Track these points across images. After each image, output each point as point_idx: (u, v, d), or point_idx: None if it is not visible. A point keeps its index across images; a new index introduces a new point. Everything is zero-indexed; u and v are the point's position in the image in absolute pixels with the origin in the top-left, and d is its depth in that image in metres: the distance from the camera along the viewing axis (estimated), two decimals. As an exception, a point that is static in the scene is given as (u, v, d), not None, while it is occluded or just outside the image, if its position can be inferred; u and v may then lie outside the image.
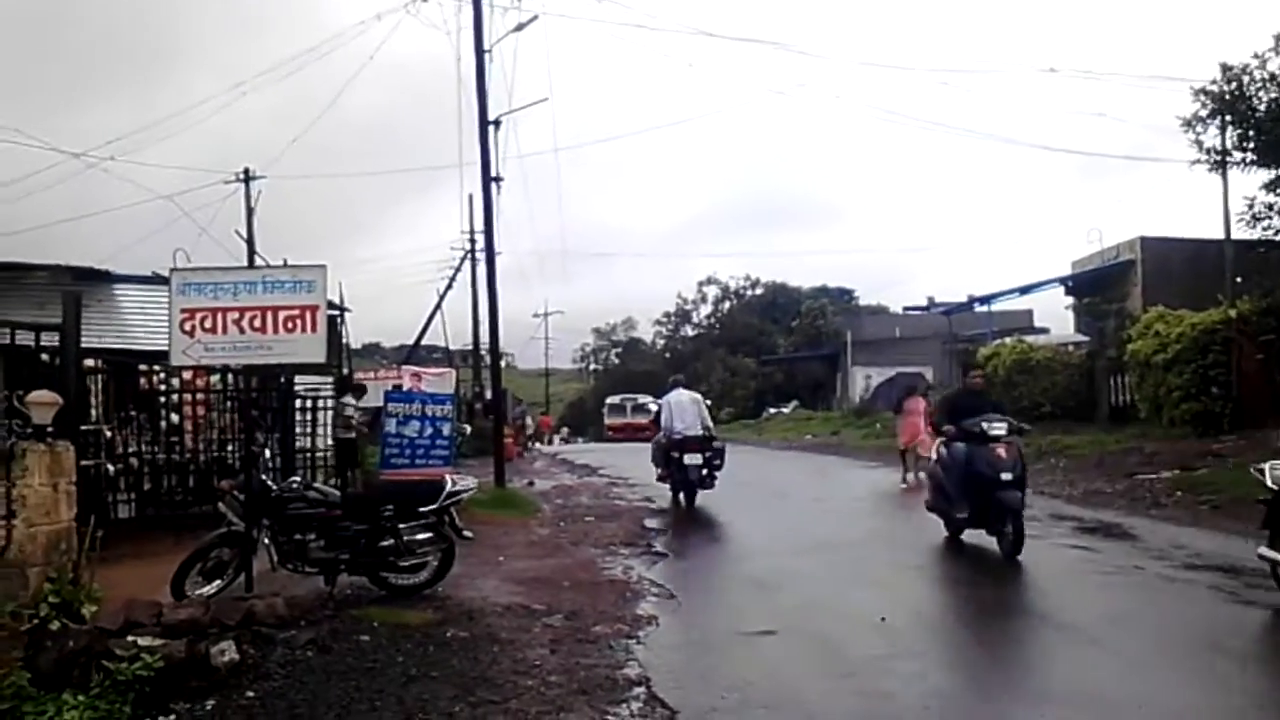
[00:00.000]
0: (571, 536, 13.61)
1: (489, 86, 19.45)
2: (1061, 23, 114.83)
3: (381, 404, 17.37)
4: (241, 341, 8.60)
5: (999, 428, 11.34)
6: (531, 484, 21.35)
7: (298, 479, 10.60)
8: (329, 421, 16.50)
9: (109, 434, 12.58)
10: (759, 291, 79.99)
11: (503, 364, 22.85)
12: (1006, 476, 10.89)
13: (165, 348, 8.94)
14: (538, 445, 46.15)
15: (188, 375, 13.79)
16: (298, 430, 15.15)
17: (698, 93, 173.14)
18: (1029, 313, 43.24)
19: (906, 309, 59.68)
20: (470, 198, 37.22)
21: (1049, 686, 6.52)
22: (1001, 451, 11.11)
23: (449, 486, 9.36)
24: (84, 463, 9.12)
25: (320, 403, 16.04)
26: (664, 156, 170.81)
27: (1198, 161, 22.41)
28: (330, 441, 16.89)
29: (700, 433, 16.86)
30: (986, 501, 11.04)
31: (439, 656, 7.28)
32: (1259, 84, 21.12)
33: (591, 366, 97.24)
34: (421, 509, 9.18)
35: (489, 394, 26.80)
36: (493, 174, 20.03)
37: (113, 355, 13.01)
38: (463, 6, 19.97)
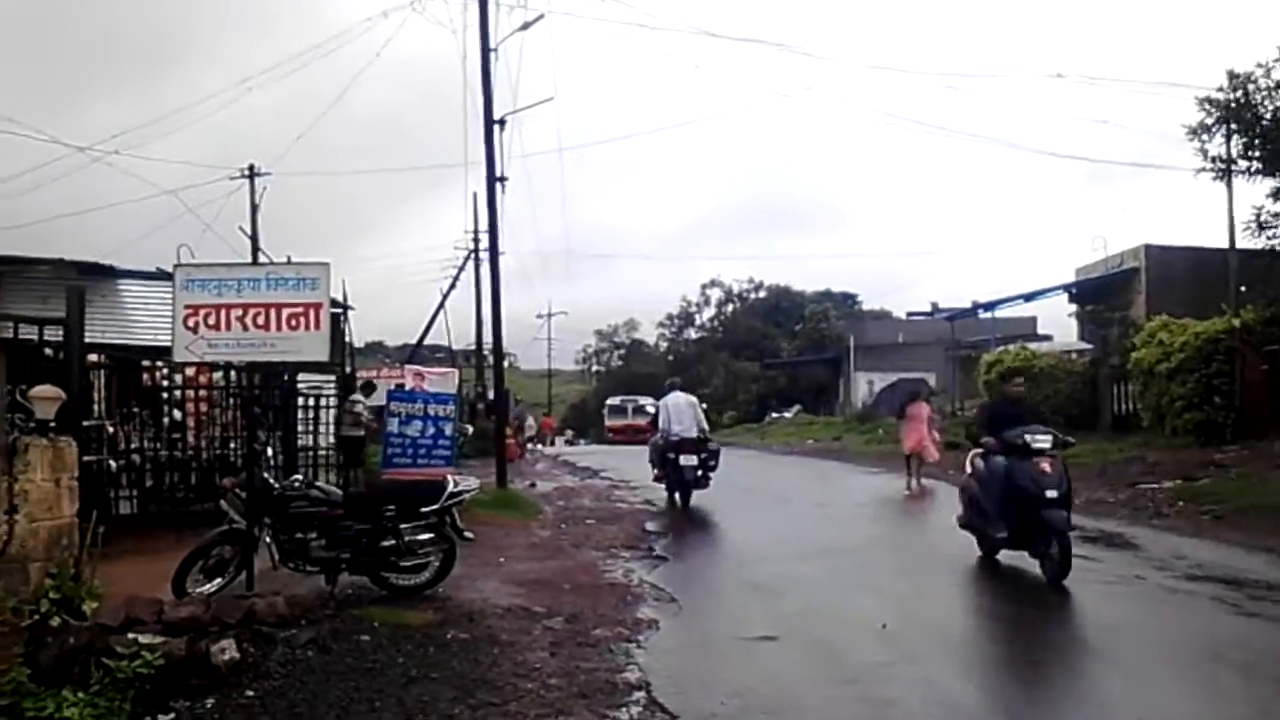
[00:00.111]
0: (573, 539, 13.60)
1: (494, 85, 19.47)
2: (1067, 29, 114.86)
3: (385, 402, 17.45)
4: (245, 338, 8.60)
5: (1043, 440, 10.42)
6: (533, 485, 21.35)
7: (300, 477, 10.60)
8: (332, 420, 16.51)
9: (111, 430, 12.59)
10: (762, 295, 79.95)
11: (505, 364, 22.84)
12: (1051, 494, 10.00)
13: (168, 344, 8.94)
14: (539, 446, 46.11)
15: (191, 371, 13.80)
16: (300, 428, 15.14)
17: (702, 94, 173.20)
18: (1032, 320, 43.25)
19: (910, 314, 59.58)
20: (475, 197, 37.30)
21: (1050, 696, 6.51)
22: (1046, 466, 10.19)
23: (451, 487, 9.36)
24: (86, 458, 9.11)
25: (323, 401, 16.04)
26: (668, 158, 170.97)
27: (1203, 170, 22.38)
28: (333, 439, 16.89)
29: (696, 434, 17.37)
30: (1028, 521, 10.10)
31: (439, 658, 7.28)
32: (1265, 92, 21.09)
33: (594, 368, 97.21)
34: (423, 509, 9.18)
35: (491, 394, 26.82)
36: (497, 174, 20.04)
37: (116, 351, 13.02)
38: (469, 4, 20.04)
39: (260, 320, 8.58)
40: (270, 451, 11.11)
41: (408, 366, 29.69)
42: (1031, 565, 10.33)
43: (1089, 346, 30.53)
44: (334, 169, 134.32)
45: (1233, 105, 21.37)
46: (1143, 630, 8.24)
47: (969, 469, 11.68)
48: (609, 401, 63.37)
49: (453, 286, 41.82)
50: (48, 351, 10.14)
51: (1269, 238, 22.04)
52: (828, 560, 11.75)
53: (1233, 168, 22.15)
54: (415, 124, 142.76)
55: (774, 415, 54.50)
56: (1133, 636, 8.03)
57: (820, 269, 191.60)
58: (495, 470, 18.62)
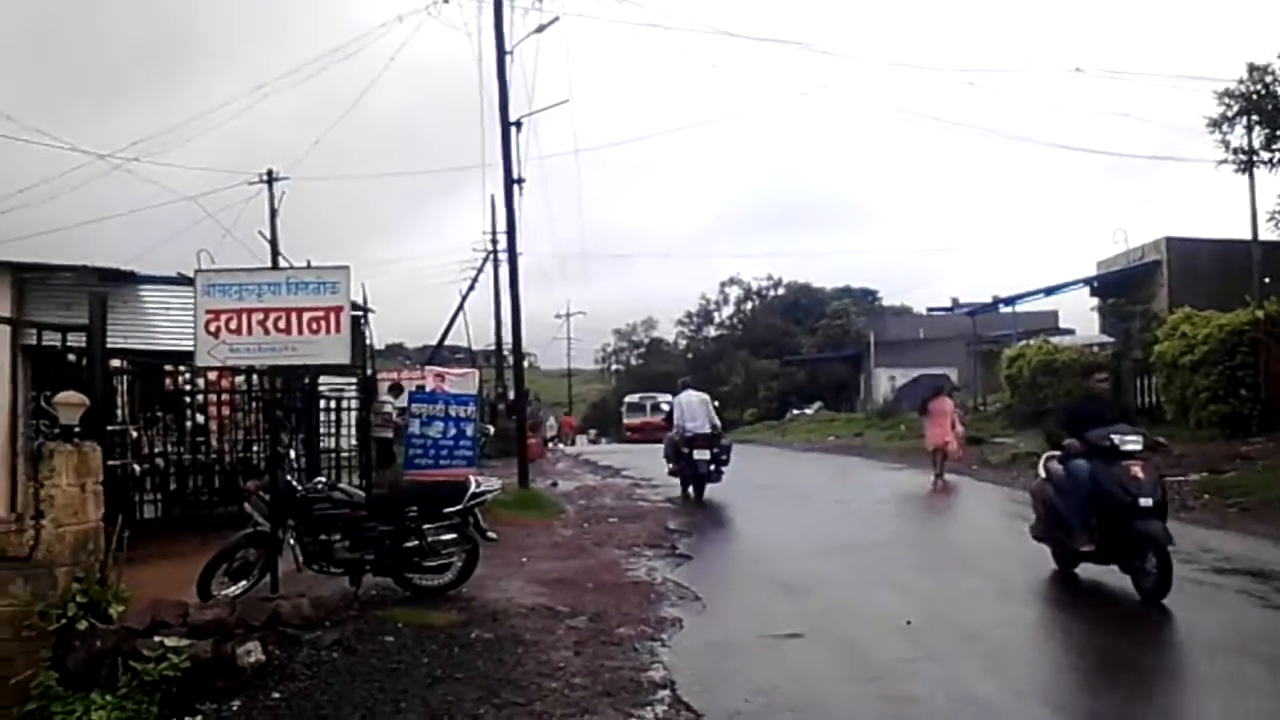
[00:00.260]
0: (595, 538, 13.60)
1: (510, 88, 19.49)
2: (1088, 23, 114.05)
3: (406, 404, 17.51)
4: (266, 342, 8.63)
5: (1133, 442, 9.30)
6: (555, 485, 21.36)
7: (323, 479, 10.64)
8: (354, 422, 16.56)
9: (135, 434, 12.67)
10: (781, 292, 79.76)
11: (525, 364, 22.88)
12: (1145, 502, 8.88)
13: (190, 348, 8.97)
14: (560, 446, 46.17)
15: (213, 376, 13.87)
16: (322, 431, 15.19)
17: (720, 93, 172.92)
18: (1054, 314, 43.04)
19: (930, 310, 59.53)
20: (492, 199, 37.39)
21: (1072, 689, 6.48)
22: (1137, 470, 9.06)
23: (473, 487, 9.39)
24: (111, 463, 9.16)
25: (344, 403, 16.08)
26: (686, 157, 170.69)
27: (1224, 162, 22.31)
28: (355, 442, 16.94)
29: (708, 430, 18.17)
30: (1119, 532, 9.00)
31: (463, 658, 7.30)
32: (1286, 83, 20.98)
33: (613, 367, 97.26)
34: (446, 510, 9.20)
35: (512, 394, 26.86)
36: (514, 175, 20.07)
37: (138, 356, 13.08)
38: (484, 8, 20.13)
39: (281, 324, 8.61)
40: (293, 454, 11.17)
41: (428, 368, 29.80)
42: (1021, 566, 10.27)
43: (1111, 340, 30.38)
44: (352, 173, 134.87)
45: (1254, 97, 21.26)
46: (1169, 623, 8.19)
47: (1043, 473, 10.57)
48: (627, 399, 63.33)
49: (471, 288, 41.98)
50: (71, 358, 10.19)
51: (1292, 229, 21.92)
52: (851, 557, 11.72)
53: (1254, 159, 22.03)
54: (432, 127, 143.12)
55: (795, 412, 54.40)
56: (1159, 629, 7.99)
57: (840, 265, 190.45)
58: (517, 470, 18.64)
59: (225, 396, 14.66)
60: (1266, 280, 22.78)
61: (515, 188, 20.25)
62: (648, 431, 44.89)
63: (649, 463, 21.91)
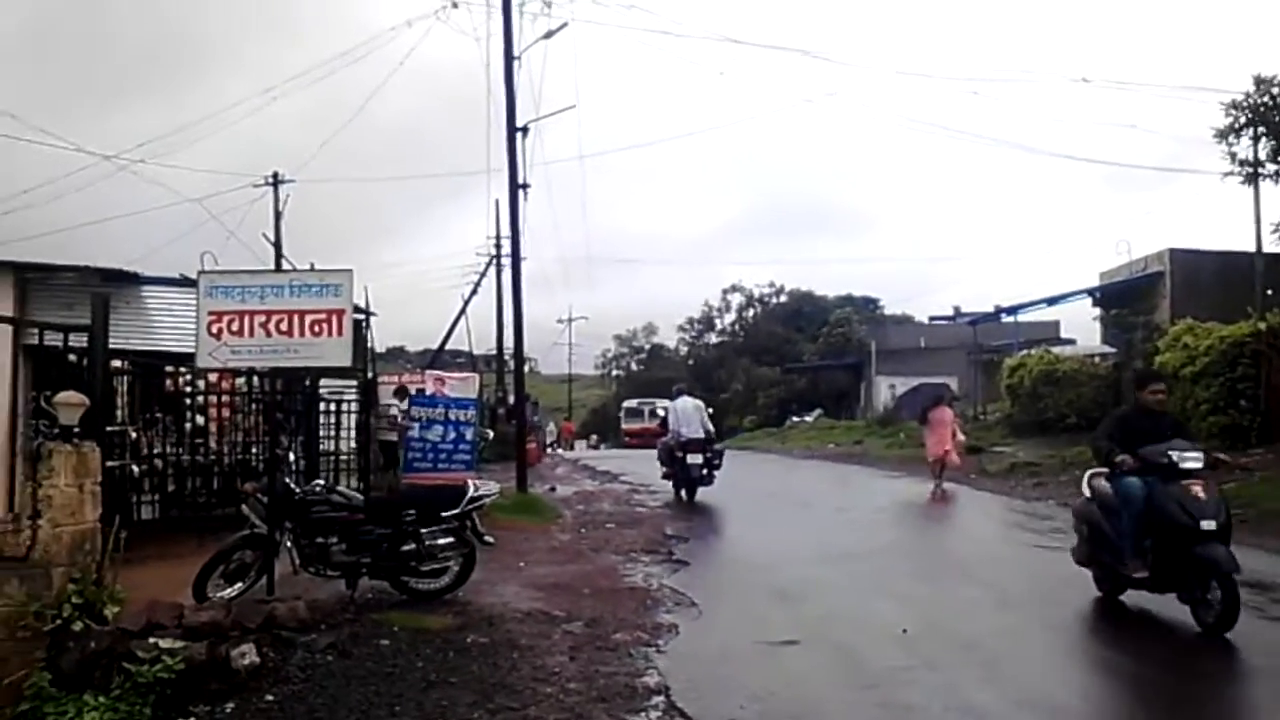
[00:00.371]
0: (592, 543, 13.59)
1: (517, 93, 19.49)
2: (1094, 33, 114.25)
3: (406, 407, 17.50)
4: (268, 344, 8.65)
5: (1193, 459, 8.51)
6: (553, 489, 21.36)
7: (321, 482, 10.64)
8: (353, 425, 16.57)
9: (134, 435, 12.67)
10: (783, 299, 79.82)
11: (526, 369, 22.87)
12: (1208, 525, 8.09)
13: (192, 350, 8.99)
14: (560, 451, 46.20)
15: (213, 377, 13.87)
16: (321, 433, 15.19)
17: (726, 100, 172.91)
18: (1055, 324, 43.00)
19: (932, 319, 59.50)
20: (496, 204, 37.39)
21: (1071, 701, 6.46)
22: (1198, 490, 8.27)
23: (471, 491, 9.39)
24: (109, 464, 9.16)
25: (345, 406, 16.09)
26: (692, 164, 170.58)
27: (1230, 174, 22.28)
28: (353, 444, 16.94)
29: (702, 436, 18.83)
30: (1178, 558, 8.18)
31: (459, 662, 7.29)
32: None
33: (613, 373, 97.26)
34: (443, 514, 9.21)
35: (512, 399, 26.87)
36: (520, 181, 20.06)
37: (139, 357, 13.08)
38: (492, 13, 20.02)
39: (283, 326, 8.62)
40: (292, 456, 11.16)
41: (429, 371, 29.78)
42: (1053, 569, 10.25)
43: (1112, 350, 30.37)
44: (358, 176, 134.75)
45: (1260, 109, 21.26)
46: (1165, 634, 8.18)
47: (1086, 492, 9.67)
48: (625, 405, 63.32)
49: (474, 292, 41.95)
50: (72, 358, 10.19)
51: (1296, 242, 21.91)
52: (848, 565, 11.71)
53: (1260, 171, 22.03)
54: (439, 131, 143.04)
55: (795, 419, 54.35)
56: (1155, 640, 7.98)
57: (842, 273, 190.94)
58: (515, 475, 18.64)
59: (225, 398, 14.66)
60: (1269, 292, 22.76)
61: (520, 193, 20.24)
62: (646, 437, 44.66)
63: (647, 468, 21.93)
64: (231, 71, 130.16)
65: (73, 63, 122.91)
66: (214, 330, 8.59)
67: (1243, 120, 21.67)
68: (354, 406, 15.88)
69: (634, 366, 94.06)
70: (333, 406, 15.78)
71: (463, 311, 41.41)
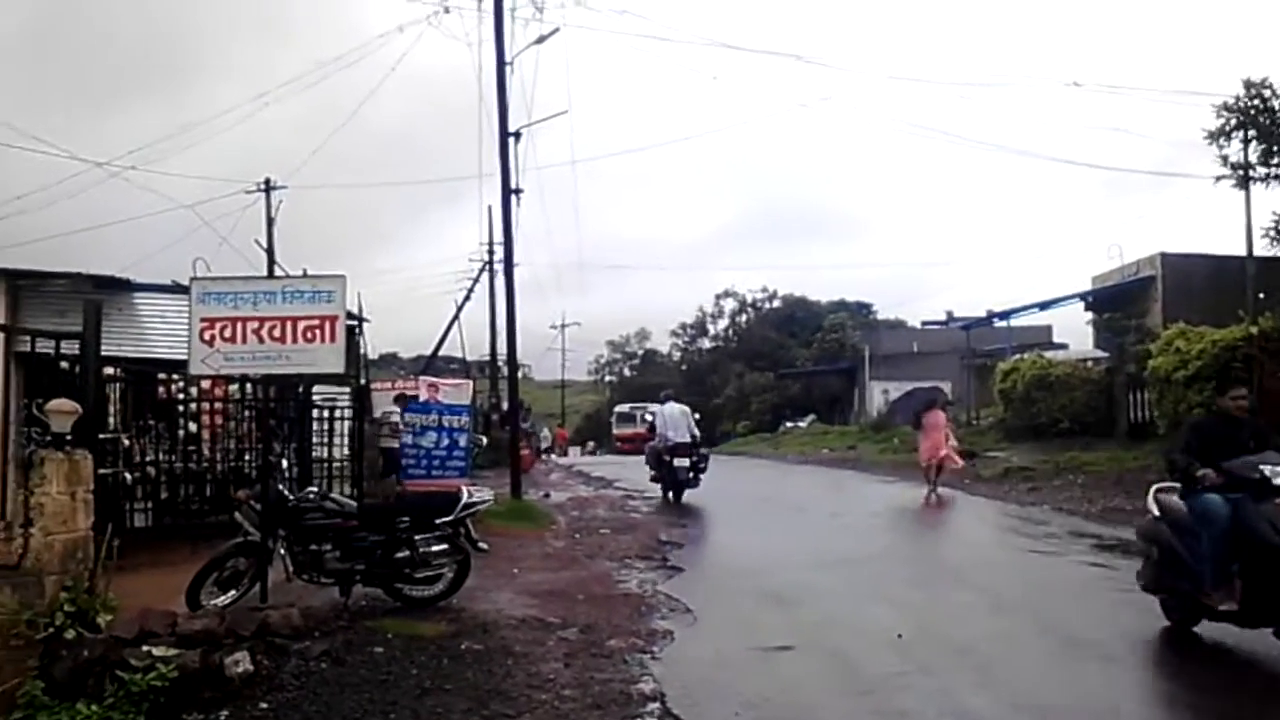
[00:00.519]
0: (587, 549, 13.58)
1: (509, 98, 19.51)
2: (1085, 37, 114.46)
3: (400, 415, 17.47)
4: (260, 351, 8.64)
5: None
6: (547, 496, 21.34)
7: (314, 489, 10.62)
8: (346, 432, 16.55)
9: (127, 443, 12.63)
10: (777, 304, 79.78)
11: (520, 375, 22.87)
12: None
13: (184, 357, 8.98)
14: (554, 457, 46.19)
15: (206, 384, 13.82)
16: (315, 440, 15.16)
17: (719, 105, 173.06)
18: (1048, 328, 43.09)
19: (925, 323, 59.61)
20: (489, 210, 37.37)
21: (1066, 705, 6.46)
22: None
23: (465, 498, 9.37)
24: (102, 471, 9.13)
25: (338, 413, 16.05)
26: (685, 169, 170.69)
27: (1222, 177, 22.30)
28: (346, 451, 16.93)
29: (688, 440, 19.52)
30: (1273, 587, 7.15)
31: (453, 669, 7.28)
32: (1285, 98, 21.03)
33: (606, 378, 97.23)
34: (437, 520, 9.19)
35: (506, 405, 26.86)
36: (512, 186, 20.08)
37: (132, 364, 13.05)
38: (484, 19, 20.08)
39: (276, 333, 8.62)
40: (285, 464, 11.14)
41: (422, 378, 29.74)
42: (1048, 575, 10.26)
43: (1105, 354, 30.41)
44: (352, 182, 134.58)
45: (1250, 112, 21.31)
46: (1159, 639, 8.18)
47: (1155, 509, 8.60)
48: (617, 409, 63.31)
49: (467, 298, 41.91)
50: (64, 365, 10.17)
51: (1288, 246, 21.95)
52: (843, 570, 11.71)
53: (1251, 174, 22.07)
54: (432, 137, 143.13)
55: (788, 425, 54.40)
56: (1151, 644, 7.99)
57: (835, 278, 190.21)
58: (509, 481, 18.62)
59: (218, 405, 14.62)
60: (1261, 296, 22.79)
61: (513, 198, 20.26)
62: (638, 442, 44.75)
63: (641, 474, 21.95)
64: (225, 77, 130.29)
65: (67, 68, 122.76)
66: (207, 337, 8.58)
67: (1233, 123, 21.71)
68: (347, 413, 15.84)
69: (627, 372, 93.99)
70: (326, 413, 15.74)
71: (456, 317, 41.42)
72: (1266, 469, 7.44)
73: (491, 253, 39.44)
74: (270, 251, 33.16)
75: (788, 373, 64.64)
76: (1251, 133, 21.59)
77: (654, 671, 7.32)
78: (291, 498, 9.34)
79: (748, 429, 59.24)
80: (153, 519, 12.86)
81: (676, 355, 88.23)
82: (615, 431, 58.99)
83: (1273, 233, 21.95)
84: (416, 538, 9.07)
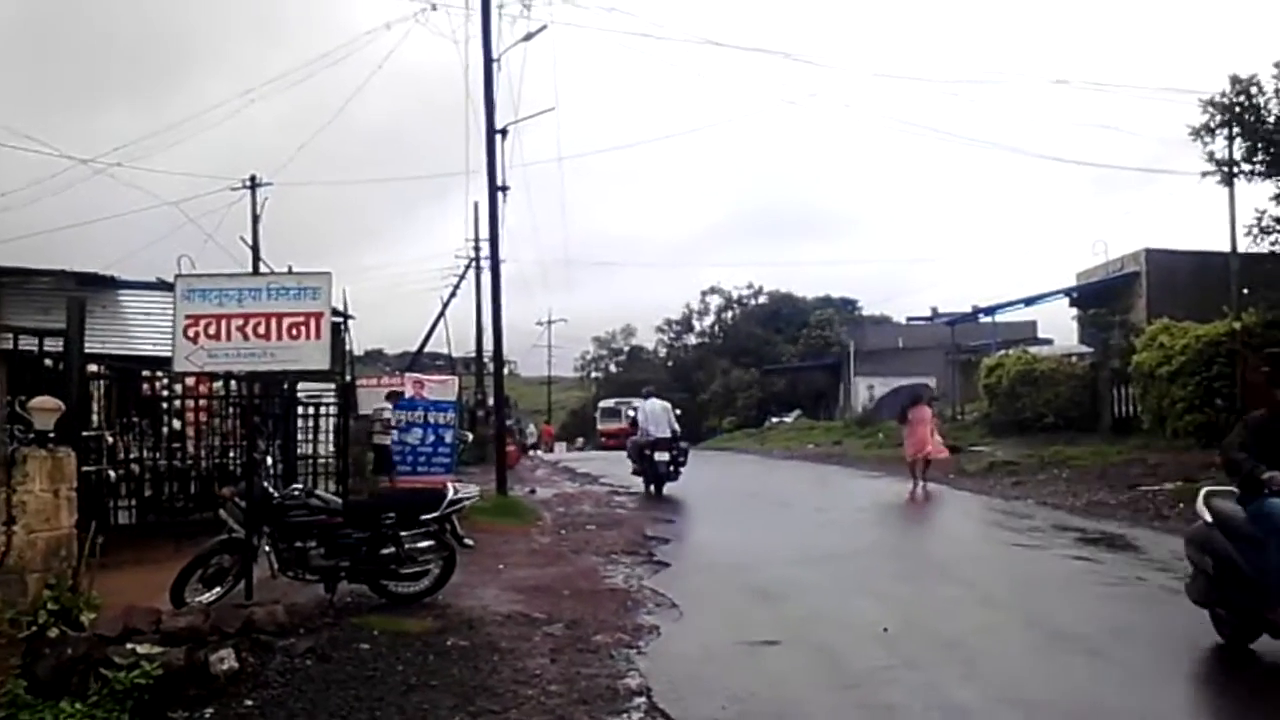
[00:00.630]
0: (572, 545, 13.58)
1: (496, 95, 19.46)
2: (1072, 34, 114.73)
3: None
4: (245, 348, 8.61)
5: None
6: (533, 492, 21.32)
7: (299, 486, 10.60)
8: (332, 428, 16.52)
9: (111, 440, 12.57)
10: (762, 301, 79.76)
11: (506, 372, 22.85)
12: None
13: (169, 354, 8.94)
14: (540, 453, 46.19)
15: (190, 381, 13.76)
16: (300, 437, 15.12)
17: (707, 102, 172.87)
18: (1033, 324, 43.19)
19: (910, 319, 59.66)
20: (476, 206, 37.29)
21: (1051, 698, 6.48)
22: None
23: (450, 494, 9.36)
24: (85, 469, 9.11)
25: (323, 409, 16.01)
26: (672, 166, 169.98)
27: (1208, 173, 22.43)
28: (332, 448, 16.90)
29: (668, 435, 20.35)
30: None
31: (439, 665, 7.27)
32: (1269, 96, 21.13)
33: (592, 374, 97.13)
34: (423, 517, 9.17)
35: (492, 401, 26.84)
36: (499, 183, 20.04)
37: (116, 361, 13.00)
38: (471, 15, 20.03)
39: (261, 330, 8.59)
40: (270, 460, 11.11)
41: (408, 374, 29.72)
42: (1032, 569, 10.28)
43: (1089, 350, 30.54)
44: (339, 179, 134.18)
45: (1236, 109, 21.41)
46: (1144, 631, 8.22)
47: (1206, 515, 7.78)
48: (601, 405, 63.25)
49: (453, 295, 41.83)
50: (48, 362, 10.13)
51: (1271, 242, 22.07)
52: (829, 565, 11.73)
53: (1236, 171, 22.19)
54: (420, 134, 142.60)
55: (774, 420, 54.46)
56: (1134, 637, 8.02)
57: (821, 275, 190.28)
58: (495, 477, 18.60)
59: (203, 402, 14.56)
60: (1244, 292, 22.94)
61: (499, 195, 20.22)
62: (622, 437, 44.75)
63: (626, 470, 22.01)
64: (214, 74, 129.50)
65: (54, 64, 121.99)
66: (191, 334, 8.55)
67: (1218, 120, 21.81)
68: (332, 410, 15.81)
69: (613, 368, 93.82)
70: (311, 410, 15.70)
71: (442, 314, 41.34)
72: None
73: (478, 249, 39.37)
74: (255, 248, 33.11)
75: (773, 369, 64.70)
76: (1236, 130, 21.69)
77: (640, 666, 7.33)
78: (276, 495, 9.31)
79: (733, 425, 59.27)
80: (137, 516, 12.80)
81: (662, 352, 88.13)
82: (600, 427, 58.97)
83: (1256, 229, 22.08)
84: (402, 534, 9.05)
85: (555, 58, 74.86)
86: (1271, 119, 21.15)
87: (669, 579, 10.97)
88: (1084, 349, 31.47)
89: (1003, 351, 31.56)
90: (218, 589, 8.87)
